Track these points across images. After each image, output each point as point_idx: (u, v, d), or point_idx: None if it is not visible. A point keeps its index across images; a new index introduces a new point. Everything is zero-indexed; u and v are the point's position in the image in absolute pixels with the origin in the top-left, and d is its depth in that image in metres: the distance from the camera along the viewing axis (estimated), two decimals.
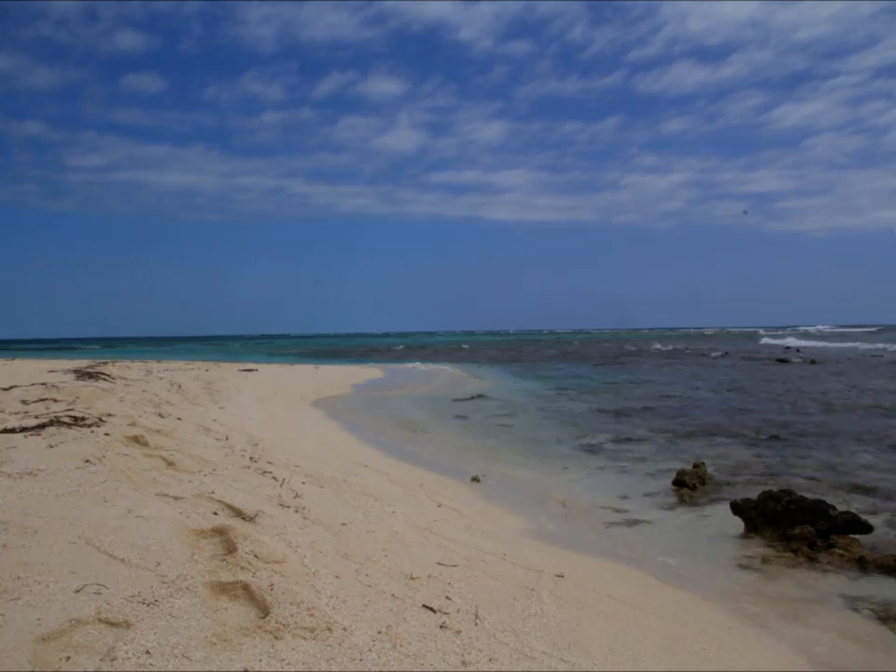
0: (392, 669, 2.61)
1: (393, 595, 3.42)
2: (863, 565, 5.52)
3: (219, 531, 3.83)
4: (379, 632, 2.91)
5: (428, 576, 3.90)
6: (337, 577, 3.51)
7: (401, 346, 68.36)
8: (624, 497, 7.99)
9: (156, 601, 2.85)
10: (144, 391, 12.27)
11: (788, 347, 48.90)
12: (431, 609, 3.32)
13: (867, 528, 6.14)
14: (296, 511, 4.77)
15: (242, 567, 3.32)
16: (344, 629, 2.85)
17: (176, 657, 2.45)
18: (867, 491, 8.10)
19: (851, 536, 6.06)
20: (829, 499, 6.64)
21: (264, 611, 2.89)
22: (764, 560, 5.79)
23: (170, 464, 5.63)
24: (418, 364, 36.07)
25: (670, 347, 56.38)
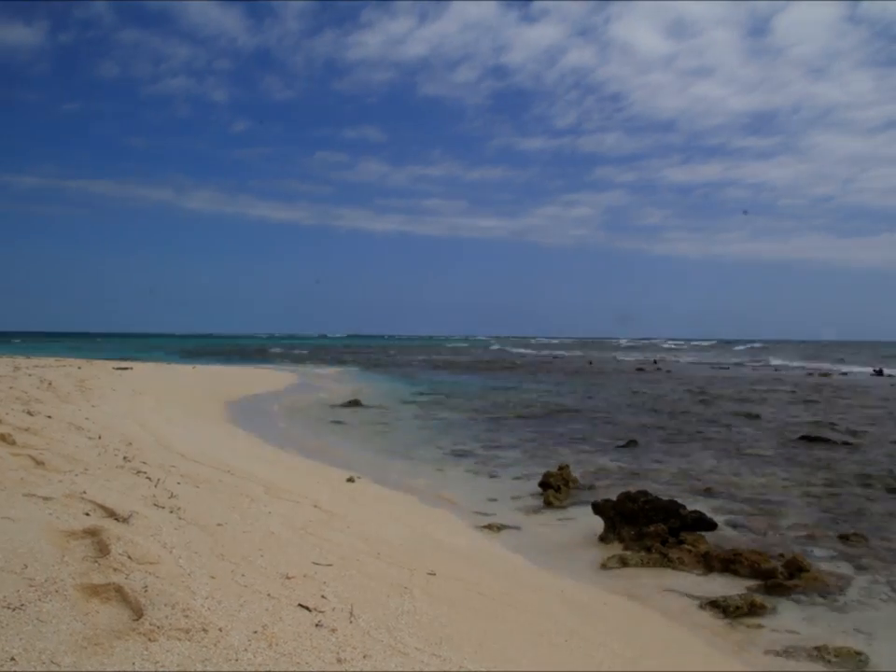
0: (268, 669, 2.66)
1: (269, 595, 3.46)
2: (707, 559, 6.03)
3: (91, 532, 3.75)
4: (255, 632, 2.94)
5: (304, 575, 3.96)
6: (213, 577, 3.52)
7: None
8: (493, 501, 8.35)
9: (22, 605, 2.78)
10: (11, 388, 11.61)
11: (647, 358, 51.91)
12: (307, 608, 3.38)
13: (712, 525, 6.71)
14: (171, 512, 4.70)
15: (115, 569, 3.28)
16: (220, 629, 2.87)
17: (44, 663, 2.41)
18: (712, 493, 8.81)
19: (698, 532, 6.60)
20: (680, 499, 7.19)
21: (138, 613, 2.87)
22: (621, 559, 6.21)
23: (39, 463, 5.40)
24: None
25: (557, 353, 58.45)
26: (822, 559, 6.35)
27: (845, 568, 6.14)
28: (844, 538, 6.84)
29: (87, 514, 4.17)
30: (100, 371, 21.68)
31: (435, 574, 4.77)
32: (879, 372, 34.96)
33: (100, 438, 7.52)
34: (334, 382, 27.68)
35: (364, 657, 2.97)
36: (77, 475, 5.27)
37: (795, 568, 5.71)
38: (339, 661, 2.87)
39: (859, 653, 4.42)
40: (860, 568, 6.14)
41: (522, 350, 62.06)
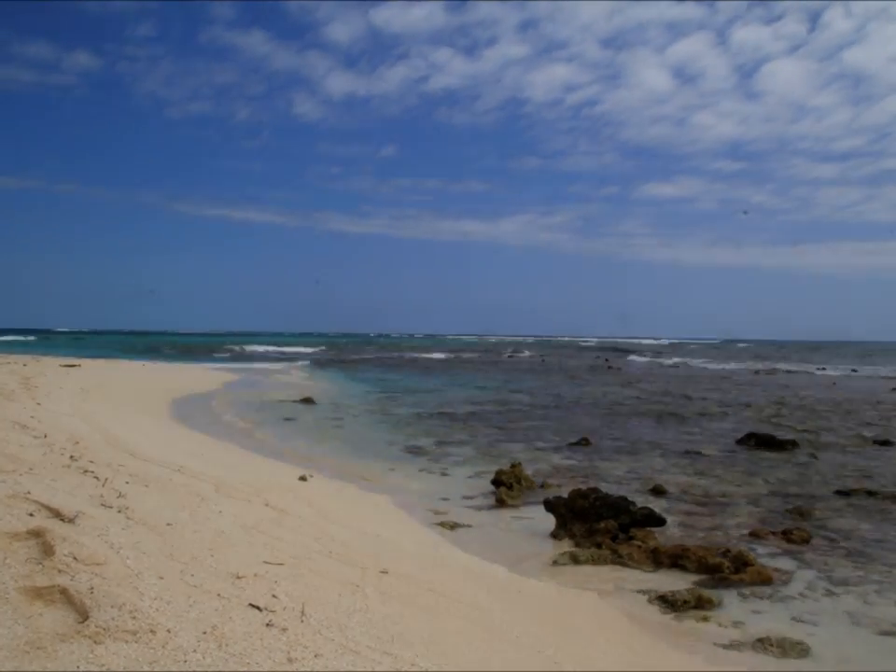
0: (217, 669, 2.64)
1: (219, 595, 3.43)
2: (656, 555, 6.15)
3: (35, 533, 3.66)
4: (204, 632, 2.92)
5: (255, 575, 3.93)
6: (161, 578, 3.47)
7: None
8: (446, 498, 8.39)
9: None
10: None
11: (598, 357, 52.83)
12: (257, 608, 3.36)
13: (661, 522, 6.85)
14: (119, 512, 4.62)
15: (59, 571, 3.22)
16: (168, 630, 2.84)
17: None
18: (662, 491, 8.97)
19: (648, 529, 6.73)
20: (630, 497, 7.31)
21: (83, 616, 2.82)
22: (572, 555, 6.29)
23: None
24: None
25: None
26: (766, 555, 6.52)
27: (787, 563, 6.32)
28: (787, 533, 7.03)
29: (31, 515, 4.07)
30: (46, 368, 21.21)
31: (387, 572, 4.78)
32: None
33: (45, 437, 7.34)
34: (290, 378, 27.44)
35: (315, 656, 2.97)
36: (21, 475, 5.15)
37: (741, 563, 5.86)
38: (290, 660, 2.86)
39: (800, 643, 4.57)
40: (802, 563, 6.33)
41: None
